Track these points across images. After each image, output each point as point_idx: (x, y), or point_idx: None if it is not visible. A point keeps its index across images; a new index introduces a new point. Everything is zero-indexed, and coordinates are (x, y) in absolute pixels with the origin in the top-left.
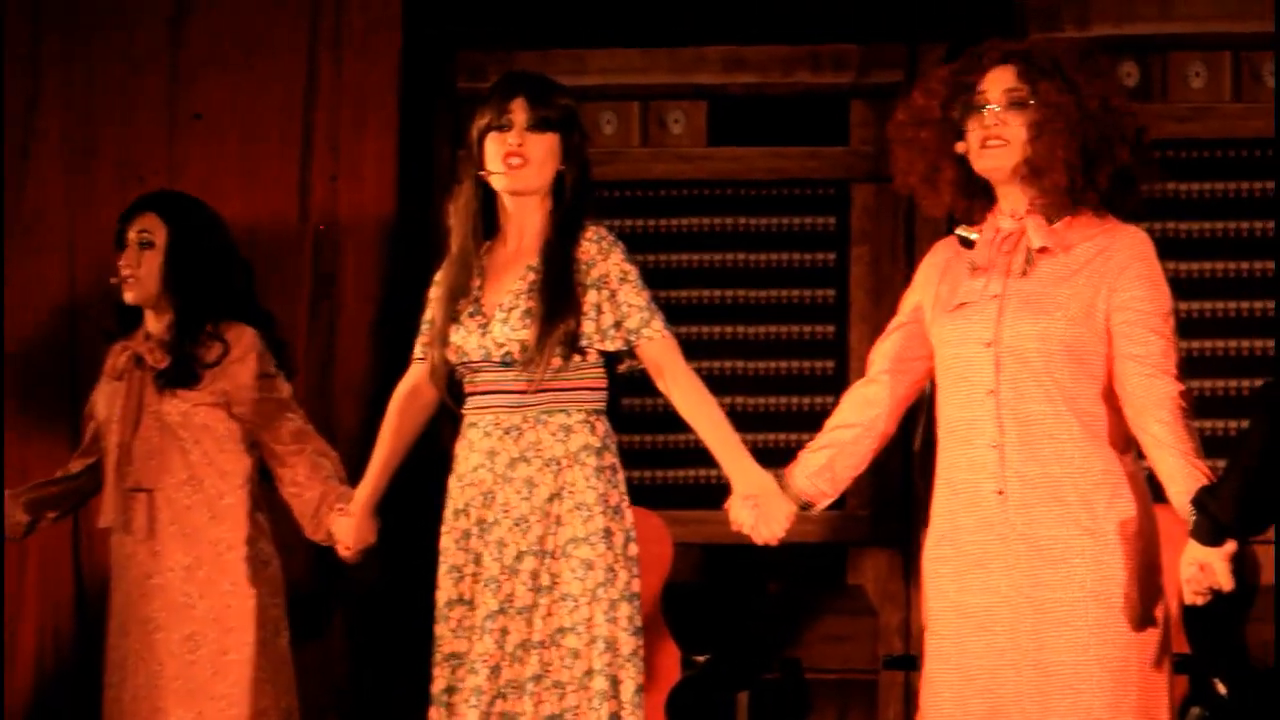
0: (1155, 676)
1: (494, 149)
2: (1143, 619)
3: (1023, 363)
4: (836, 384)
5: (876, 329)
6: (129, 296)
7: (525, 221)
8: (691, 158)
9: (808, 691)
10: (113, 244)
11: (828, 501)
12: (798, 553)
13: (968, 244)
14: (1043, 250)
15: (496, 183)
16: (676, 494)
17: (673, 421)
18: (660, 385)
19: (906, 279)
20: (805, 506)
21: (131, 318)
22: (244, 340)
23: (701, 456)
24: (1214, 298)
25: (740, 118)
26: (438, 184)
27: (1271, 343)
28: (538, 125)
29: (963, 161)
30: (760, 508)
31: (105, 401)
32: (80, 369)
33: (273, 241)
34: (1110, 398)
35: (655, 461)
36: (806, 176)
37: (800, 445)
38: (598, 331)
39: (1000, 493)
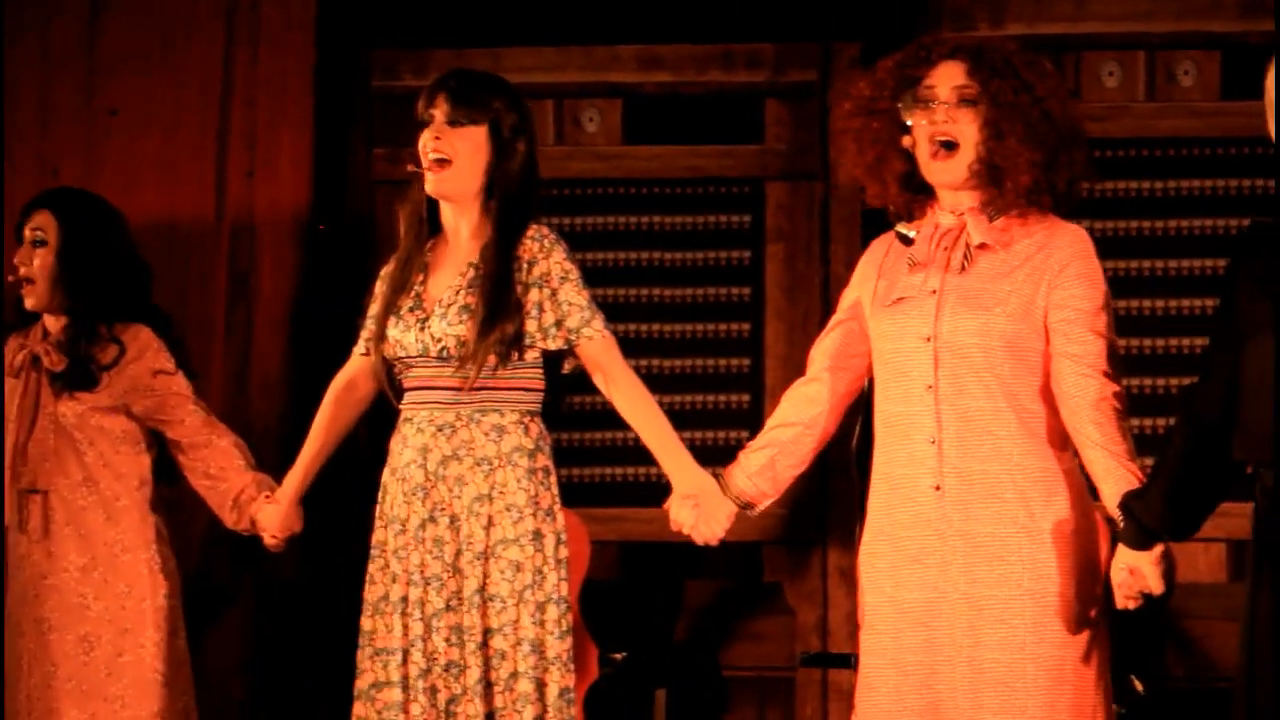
0: (1092, 676)
1: (420, 147)
2: (1080, 619)
3: (962, 358)
4: (752, 381)
5: (791, 326)
6: (29, 302)
7: (461, 219)
8: (607, 156)
9: (725, 689)
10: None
11: (769, 502)
12: (715, 550)
13: (907, 241)
14: (982, 246)
15: (425, 183)
16: (594, 492)
17: (590, 419)
18: (600, 384)
19: (822, 276)
20: (746, 506)
21: (25, 312)
22: (140, 340)
23: (619, 454)
24: (1131, 296)
25: (655, 116)
26: (353, 181)
27: (1197, 340)
28: (458, 120)
29: (909, 155)
30: (700, 507)
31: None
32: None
33: (190, 239)
34: (1049, 395)
35: (573, 459)
36: (722, 174)
37: (716, 443)
38: (539, 330)
39: (938, 488)
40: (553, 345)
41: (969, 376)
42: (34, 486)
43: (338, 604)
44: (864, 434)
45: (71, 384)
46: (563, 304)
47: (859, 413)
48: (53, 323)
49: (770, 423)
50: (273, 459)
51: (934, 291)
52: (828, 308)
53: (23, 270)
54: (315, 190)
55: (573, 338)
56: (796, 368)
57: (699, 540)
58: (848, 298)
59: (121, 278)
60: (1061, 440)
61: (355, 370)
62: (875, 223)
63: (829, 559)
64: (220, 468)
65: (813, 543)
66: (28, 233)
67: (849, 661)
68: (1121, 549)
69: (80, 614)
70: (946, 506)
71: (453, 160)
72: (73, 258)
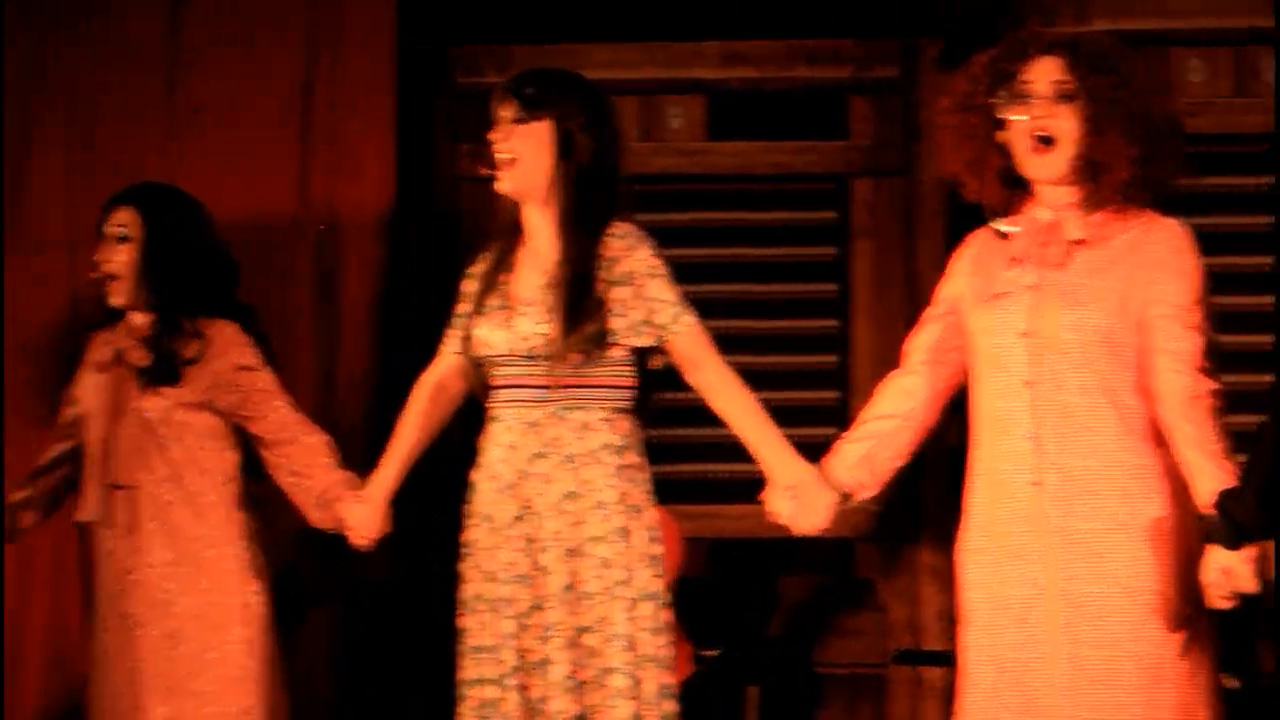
0: (1193, 674)
1: (491, 147)
2: (1179, 616)
3: (1060, 353)
4: (839, 378)
5: (878, 323)
6: (112, 299)
7: (540, 218)
8: (690, 152)
9: (817, 686)
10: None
11: (868, 494)
12: (807, 547)
13: (1003, 236)
14: (1079, 242)
15: (496, 183)
16: (687, 489)
17: (682, 415)
18: (692, 379)
19: (908, 272)
20: (845, 497)
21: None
22: (224, 335)
23: (711, 451)
24: (1229, 292)
25: (739, 112)
26: (437, 178)
27: (1269, 338)
28: (522, 118)
29: (1006, 151)
30: (800, 498)
31: (87, 393)
32: (78, 365)
33: (275, 235)
34: (1146, 390)
35: (665, 456)
36: (806, 171)
37: (803, 441)
38: (628, 327)
39: (1036, 484)
40: (642, 342)
41: (1067, 372)
42: (119, 482)
43: (429, 603)
44: (962, 429)
45: (155, 379)
46: (651, 300)
47: (960, 408)
48: (138, 319)
49: (867, 414)
50: (359, 457)
51: (1031, 287)
52: (914, 304)
53: (106, 267)
54: (399, 187)
55: (663, 333)
56: (884, 364)
57: (798, 531)
58: (944, 292)
59: (205, 273)
60: (1160, 436)
61: (445, 369)
62: (961, 218)
63: (921, 556)
64: (305, 465)
65: (905, 539)
66: (110, 229)
67: (941, 659)
68: (1215, 548)
69: (165, 609)
70: (1045, 503)
71: (517, 159)
72: (156, 253)
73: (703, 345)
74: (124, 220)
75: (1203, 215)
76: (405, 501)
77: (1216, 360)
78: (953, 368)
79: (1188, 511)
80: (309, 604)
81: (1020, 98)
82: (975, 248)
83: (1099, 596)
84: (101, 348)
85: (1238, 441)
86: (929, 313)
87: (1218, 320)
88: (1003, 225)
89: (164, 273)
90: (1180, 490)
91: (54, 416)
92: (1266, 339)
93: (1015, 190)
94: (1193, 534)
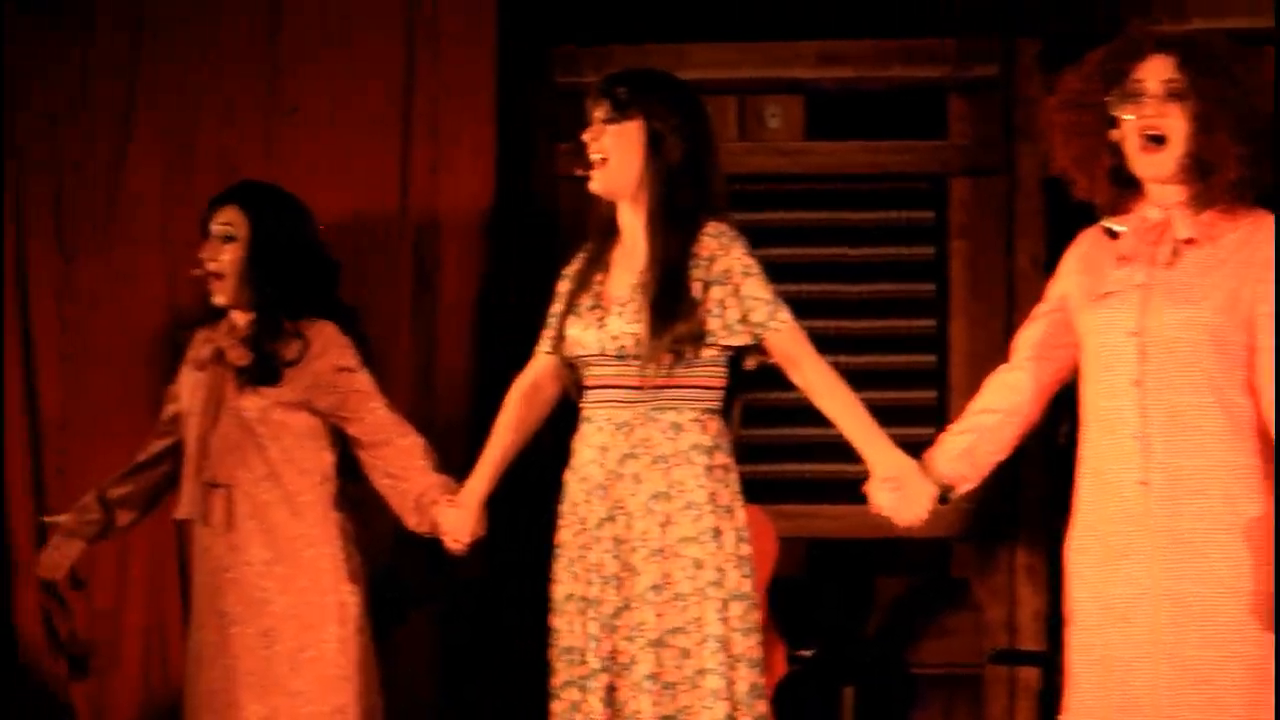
0: None
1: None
2: None
3: (1169, 353)
4: (937, 378)
5: (976, 323)
6: (216, 298)
7: (633, 217)
8: (788, 152)
9: (913, 686)
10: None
11: (969, 486)
12: (902, 547)
13: (1113, 235)
14: (1189, 241)
15: (590, 183)
16: (782, 488)
17: (777, 415)
18: (791, 375)
19: (1006, 272)
20: (946, 490)
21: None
22: (323, 335)
23: (806, 451)
24: None
25: (837, 112)
26: (536, 177)
27: None
28: (612, 118)
29: (1117, 149)
30: (900, 490)
31: (187, 391)
32: (179, 359)
33: (373, 234)
34: (1254, 390)
35: (760, 456)
36: (904, 170)
37: (901, 441)
38: (724, 327)
39: (1143, 484)
40: (738, 341)
41: (1176, 372)
42: (217, 480)
43: (523, 604)
44: (1071, 428)
45: (254, 379)
46: (746, 299)
47: (1067, 407)
48: (239, 317)
49: (972, 407)
50: (456, 457)
51: (1140, 286)
52: (1012, 303)
53: (210, 265)
54: (499, 186)
55: (759, 331)
56: (982, 364)
57: (900, 524)
58: (1054, 289)
59: (308, 273)
60: (1267, 435)
61: (539, 370)
62: (1059, 218)
63: (1017, 555)
64: (402, 467)
65: (1001, 539)
66: (216, 228)
67: (1037, 659)
68: None
69: (262, 608)
70: (1151, 502)
71: (608, 158)
72: (261, 253)
73: (799, 342)
74: (230, 219)
75: None
76: (500, 502)
77: None
78: (1058, 364)
79: None
80: (409, 605)
81: (1131, 96)
82: (1085, 246)
83: (1203, 597)
84: (202, 345)
85: None
86: (1038, 309)
87: None
88: (1112, 224)
89: (268, 273)
90: None
91: (151, 410)
92: None
93: (1125, 189)
94: None
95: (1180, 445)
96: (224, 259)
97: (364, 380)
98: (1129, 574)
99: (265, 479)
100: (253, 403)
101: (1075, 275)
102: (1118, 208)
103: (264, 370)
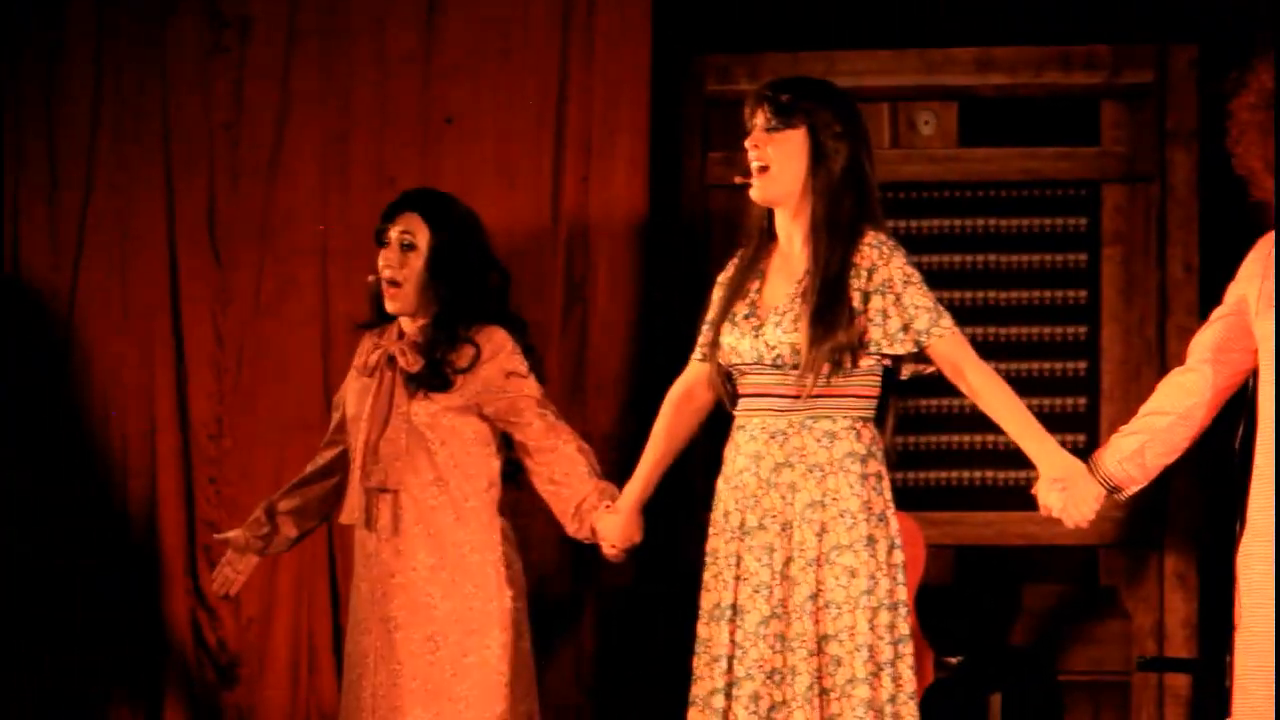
0: None
1: (746, 155)
2: None
3: None
4: (1089, 384)
5: (1128, 330)
6: (392, 307)
7: (792, 226)
8: (942, 159)
9: (1060, 693)
10: (373, 241)
11: (1137, 488)
12: (1050, 554)
13: None
14: None
15: (750, 191)
16: (931, 495)
17: (927, 423)
18: (957, 382)
19: (1159, 279)
20: (1114, 490)
21: (383, 312)
22: (494, 341)
23: (955, 458)
24: None
25: (991, 118)
26: (686, 186)
27: None
28: (775, 126)
29: None
30: (1069, 491)
31: (354, 397)
32: (333, 368)
33: (525, 244)
34: None
35: (909, 463)
36: (1058, 177)
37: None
38: (885, 336)
39: None
40: (901, 350)
41: None
42: (385, 485)
43: (675, 612)
44: (1246, 433)
45: (426, 385)
46: (908, 307)
47: (1241, 412)
48: (408, 323)
49: (1144, 409)
50: (608, 464)
51: None
52: (1165, 310)
53: (389, 273)
54: (650, 195)
55: (922, 339)
56: (1133, 371)
57: (1069, 524)
58: (1234, 293)
59: (483, 282)
60: None
61: (693, 378)
62: (1212, 225)
63: (1165, 563)
64: (564, 474)
65: (1149, 546)
66: (395, 235)
67: (1186, 666)
68: None
69: (427, 613)
70: None
71: (770, 166)
72: (442, 261)
73: (963, 347)
74: (410, 227)
75: None
76: (654, 509)
77: None
78: (1233, 369)
79: None
80: (563, 612)
81: None
82: (1265, 249)
83: None
84: (370, 352)
85: None
86: (1216, 312)
87: None
88: None
89: (447, 281)
90: None
91: (305, 417)
92: None
93: None
94: None
95: None
96: (406, 268)
97: (533, 386)
98: None
99: (433, 484)
100: (423, 408)
101: (1255, 280)
102: None
103: (436, 377)
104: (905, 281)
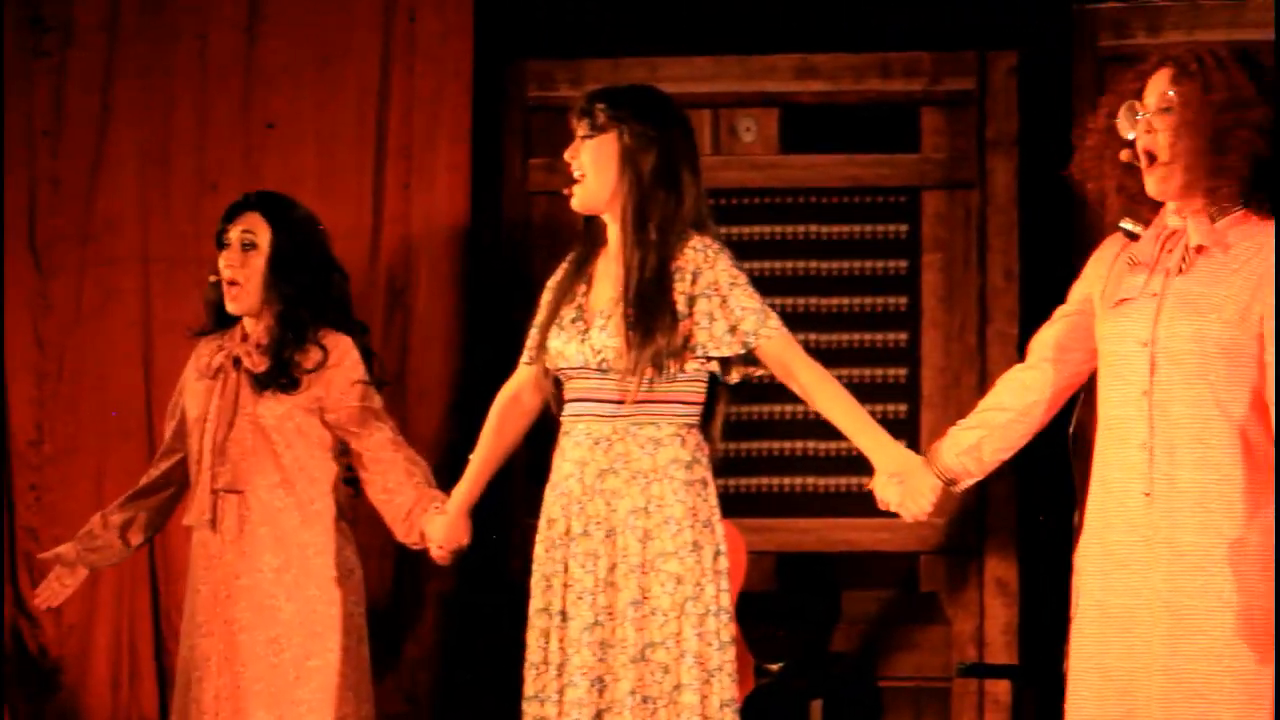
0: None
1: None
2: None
3: (1177, 364)
4: (909, 391)
5: (948, 336)
6: (233, 307)
7: (614, 231)
8: (763, 166)
9: (881, 700)
10: (214, 244)
11: (972, 481)
12: (871, 560)
13: (1132, 237)
14: (1200, 249)
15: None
16: (752, 502)
17: (746, 430)
18: (788, 383)
19: (979, 285)
20: (950, 483)
21: (221, 315)
22: (340, 347)
23: (776, 465)
24: None
25: (812, 125)
26: (508, 192)
27: None
28: (588, 135)
29: (1132, 167)
30: (905, 484)
31: (195, 400)
32: (155, 376)
33: (347, 250)
34: (1263, 405)
35: (730, 470)
36: (878, 184)
37: None
38: (711, 339)
39: (1147, 495)
40: (728, 351)
41: (1181, 384)
42: (232, 486)
43: (504, 620)
44: (1076, 434)
45: (274, 385)
46: (734, 309)
47: (1071, 415)
48: (251, 325)
49: (983, 404)
50: (432, 470)
51: (1155, 295)
52: (985, 317)
53: (232, 274)
54: (472, 201)
55: (750, 340)
56: (953, 378)
57: (907, 517)
58: (1078, 292)
59: (326, 282)
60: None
61: (521, 382)
62: (1034, 233)
63: (986, 569)
64: (398, 483)
65: (970, 552)
66: (235, 235)
67: (1005, 672)
68: None
69: (272, 615)
70: (1155, 514)
71: (584, 174)
72: (284, 261)
73: (792, 347)
74: (251, 226)
75: None
76: (483, 516)
77: None
78: (1074, 367)
79: None
80: (401, 618)
81: (1136, 115)
82: (1109, 250)
83: (1201, 610)
84: (213, 354)
85: None
86: (1060, 310)
87: None
88: (1130, 225)
89: (289, 280)
90: None
91: (125, 425)
92: None
93: (1148, 201)
94: None
95: (1183, 458)
96: (247, 267)
97: (376, 398)
98: (1129, 584)
99: (279, 485)
100: (270, 409)
101: (1099, 280)
102: (1141, 216)
103: (284, 376)
104: (731, 284)
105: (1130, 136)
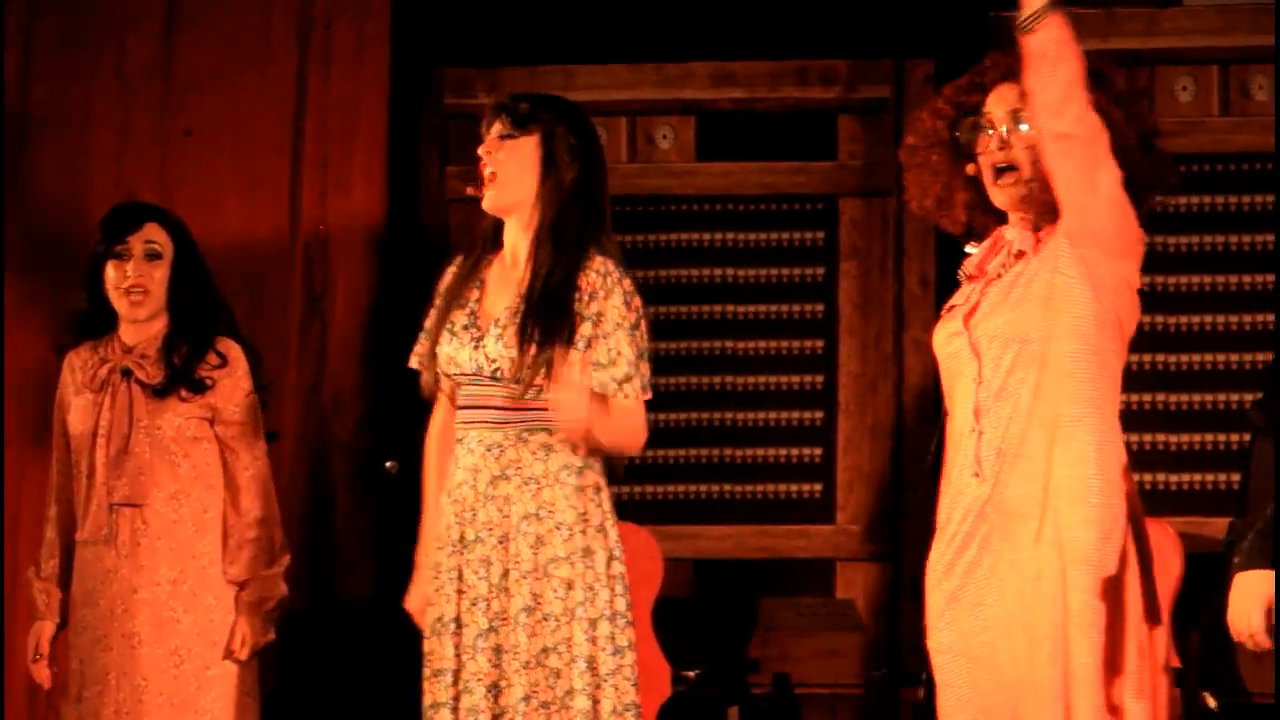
0: (1133, 703)
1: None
2: (1114, 632)
3: (994, 365)
4: (826, 398)
5: (865, 343)
6: (140, 312)
7: (519, 236)
8: (680, 173)
9: (797, 706)
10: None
11: None
12: (788, 567)
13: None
14: (1020, 254)
15: (482, 200)
16: (668, 509)
17: (663, 437)
18: None
19: (895, 293)
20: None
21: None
22: (234, 354)
23: (693, 472)
24: (1206, 311)
25: (728, 133)
26: (425, 199)
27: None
28: (508, 134)
29: (975, 182)
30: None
31: (79, 415)
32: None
33: (264, 258)
34: (1093, 399)
35: (647, 476)
36: (795, 191)
37: (790, 460)
38: (580, 362)
39: (977, 474)
40: (589, 381)
41: (995, 381)
42: (130, 500)
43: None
44: (939, 449)
45: (174, 394)
46: (611, 350)
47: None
48: (134, 335)
49: None
50: (345, 478)
51: (974, 300)
52: (901, 324)
53: (142, 281)
54: (389, 209)
55: (608, 388)
56: (870, 385)
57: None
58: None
59: (217, 295)
60: (1102, 446)
61: (444, 415)
62: (950, 240)
63: (902, 575)
64: (234, 521)
65: (885, 560)
66: (139, 246)
67: (921, 679)
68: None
69: (171, 628)
70: (983, 489)
71: (500, 173)
72: (185, 271)
73: (632, 414)
74: (154, 236)
75: (1195, 234)
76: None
77: None
78: None
79: (1130, 529)
80: (294, 625)
81: (982, 129)
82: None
83: (1042, 618)
84: (96, 366)
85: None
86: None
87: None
88: (971, 247)
89: (191, 289)
90: (1121, 506)
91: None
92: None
93: (990, 215)
94: (1145, 551)
95: (996, 437)
96: (153, 276)
97: (257, 417)
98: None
99: (174, 497)
100: (167, 420)
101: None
102: (984, 235)
103: (184, 385)
104: (617, 324)
105: (981, 151)
